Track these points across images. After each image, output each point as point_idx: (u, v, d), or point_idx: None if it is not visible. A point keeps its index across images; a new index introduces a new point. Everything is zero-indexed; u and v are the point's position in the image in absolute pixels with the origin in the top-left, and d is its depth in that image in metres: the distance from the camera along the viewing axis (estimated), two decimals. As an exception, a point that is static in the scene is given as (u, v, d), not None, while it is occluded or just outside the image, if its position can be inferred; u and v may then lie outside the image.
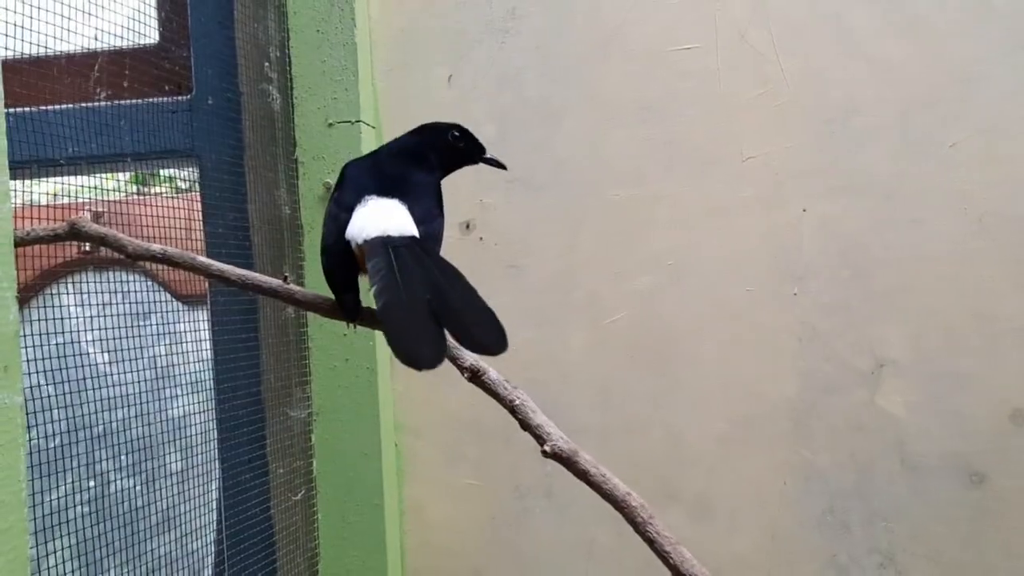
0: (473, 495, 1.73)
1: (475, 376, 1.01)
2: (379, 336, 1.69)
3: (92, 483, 1.70)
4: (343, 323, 1.70)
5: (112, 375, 1.99)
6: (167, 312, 2.12)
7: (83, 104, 1.79)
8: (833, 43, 1.64)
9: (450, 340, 0.89)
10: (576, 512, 1.69)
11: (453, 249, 1.72)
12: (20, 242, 0.99)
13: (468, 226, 1.72)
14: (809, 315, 1.65)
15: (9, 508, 0.92)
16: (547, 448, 1.00)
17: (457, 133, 1.19)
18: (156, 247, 1.03)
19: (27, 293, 2.16)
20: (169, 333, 2.04)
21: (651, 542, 0.96)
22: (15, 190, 1.31)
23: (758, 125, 1.65)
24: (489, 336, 0.88)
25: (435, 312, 0.87)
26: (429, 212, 1.06)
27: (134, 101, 1.80)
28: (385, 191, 1.05)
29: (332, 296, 1.03)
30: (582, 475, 0.99)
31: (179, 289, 2.14)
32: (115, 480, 1.72)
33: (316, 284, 1.63)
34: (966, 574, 1.61)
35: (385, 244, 0.93)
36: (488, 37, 1.72)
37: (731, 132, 1.66)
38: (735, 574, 1.68)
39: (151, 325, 2.06)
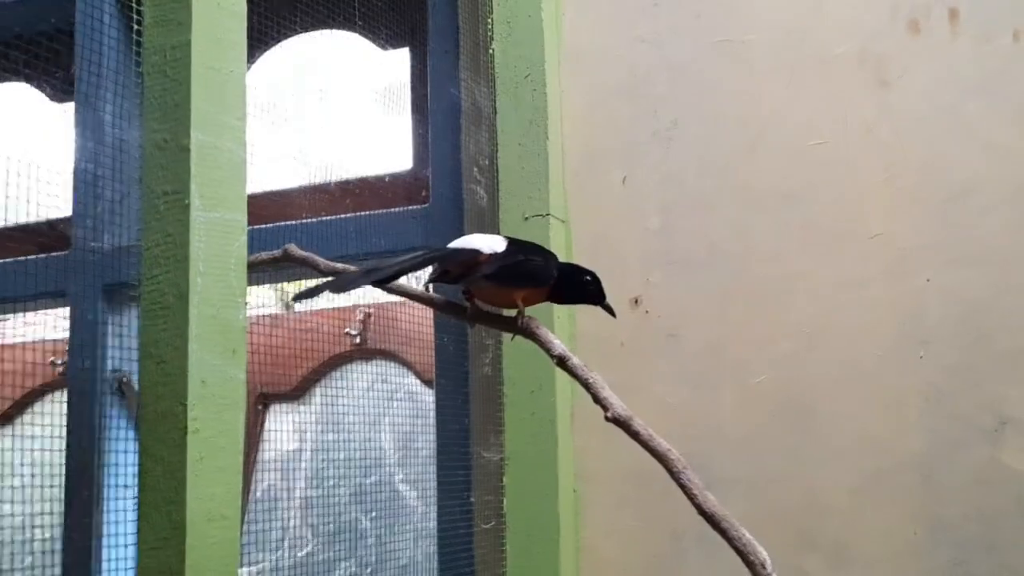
0: (637, 537, 1.97)
1: (562, 362, 1.27)
2: (559, 393, 2.00)
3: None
4: (532, 382, 2.02)
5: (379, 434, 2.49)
6: (411, 388, 2.59)
7: (352, 215, 2.30)
8: (950, 131, 1.83)
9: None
10: (725, 555, 1.88)
11: (624, 321, 2.02)
12: (250, 264, 1.38)
13: (636, 301, 2.01)
14: (934, 376, 1.80)
15: (228, 453, 1.31)
16: (609, 414, 1.22)
17: (589, 278, 1.40)
18: (339, 265, 1.40)
19: (311, 379, 2.71)
20: (412, 402, 2.49)
21: (683, 487, 1.16)
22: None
23: (884, 206, 1.86)
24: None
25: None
26: (529, 252, 1.34)
27: (389, 210, 2.29)
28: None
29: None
30: (635, 435, 1.21)
31: (421, 372, 2.59)
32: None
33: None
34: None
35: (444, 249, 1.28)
36: (655, 144, 2.05)
37: (860, 213, 1.88)
38: (874, 622, 1.80)
39: (401, 399, 2.54)
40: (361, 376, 2.61)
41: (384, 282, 1.25)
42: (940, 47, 1.87)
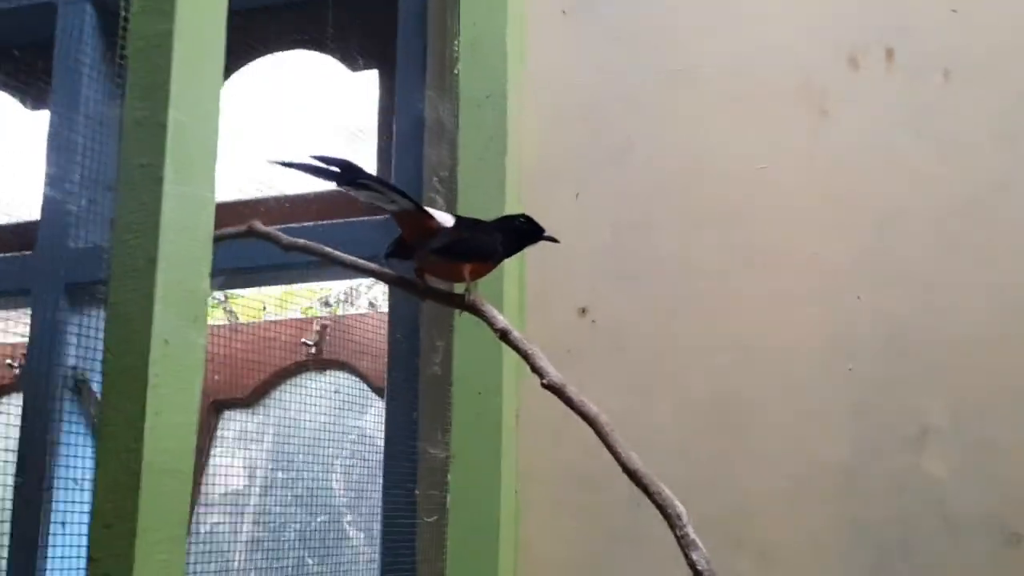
0: (574, 536, 2.05)
1: (504, 335, 1.34)
2: (506, 396, 2.08)
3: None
4: (479, 383, 2.10)
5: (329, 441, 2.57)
6: (364, 399, 2.67)
7: (314, 223, 2.39)
8: (882, 161, 1.96)
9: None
10: (655, 553, 1.96)
11: (570, 330, 2.11)
12: (216, 238, 1.46)
13: (584, 311, 2.11)
14: (861, 388, 1.90)
15: (185, 411, 1.38)
16: (545, 381, 1.29)
17: (523, 220, 1.50)
18: (301, 241, 1.48)
19: (265, 388, 2.78)
20: (366, 410, 2.57)
21: (610, 447, 1.23)
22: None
23: (819, 229, 1.98)
24: None
25: None
26: (472, 226, 1.44)
27: (350, 220, 2.38)
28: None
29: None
30: (567, 401, 1.27)
31: (375, 381, 2.67)
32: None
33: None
34: (1003, 625, 1.75)
35: None
36: (608, 164, 2.15)
37: (797, 235, 1.99)
38: (798, 622, 1.89)
39: (354, 409, 2.62)
40: (315, 384, 2.68)
41: (350, 183, 1.31)
42: (876, 83, 2.00)
